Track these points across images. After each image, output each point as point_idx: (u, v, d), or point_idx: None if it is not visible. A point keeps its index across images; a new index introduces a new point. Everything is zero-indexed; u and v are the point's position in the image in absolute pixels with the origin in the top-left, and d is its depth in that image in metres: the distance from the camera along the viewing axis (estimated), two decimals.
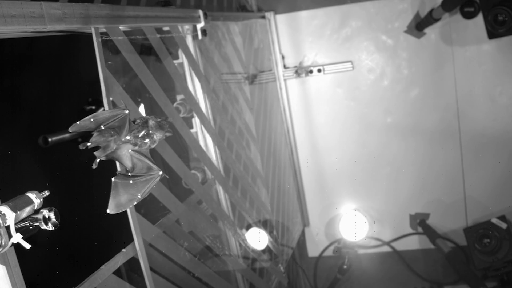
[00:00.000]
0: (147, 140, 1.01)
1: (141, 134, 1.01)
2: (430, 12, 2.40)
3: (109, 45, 1.21)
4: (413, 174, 2.74)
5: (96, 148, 1.04)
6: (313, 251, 2.95)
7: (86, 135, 1.86)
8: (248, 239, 1.98)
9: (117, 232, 1.35)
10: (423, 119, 2.68)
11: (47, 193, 0.82)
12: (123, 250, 1.17)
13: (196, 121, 1.72)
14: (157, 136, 1.02)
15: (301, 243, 2.93)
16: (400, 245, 2.80)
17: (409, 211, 2.79)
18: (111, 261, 1.13)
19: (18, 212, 0.75)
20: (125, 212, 1.18)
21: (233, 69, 2.16)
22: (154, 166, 1.01)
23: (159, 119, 1.04)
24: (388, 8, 2.58)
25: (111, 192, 1.00)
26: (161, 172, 1.01)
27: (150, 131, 1.02)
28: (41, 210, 0.80)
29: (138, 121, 1.02)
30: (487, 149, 2.61)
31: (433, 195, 2.74)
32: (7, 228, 0.73)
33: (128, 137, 1.00)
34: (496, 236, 2.39)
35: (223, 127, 1.89)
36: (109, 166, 1.18)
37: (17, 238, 0.74)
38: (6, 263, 0.79)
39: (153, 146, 1.03)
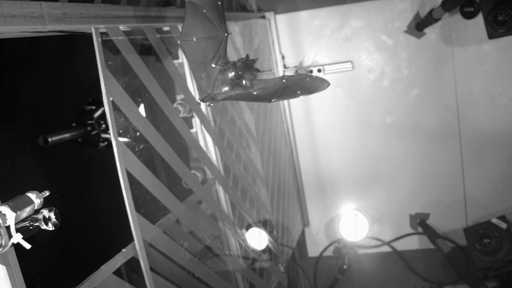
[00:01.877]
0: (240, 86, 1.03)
1: (230, 75, 1.03)
2: (430, 12, 2.40)
3: (109, 45, 1.21)
4: (413, 174, 2.74)
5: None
6: (313, 251, 2.95)
7: (86, 135, 1.87)
8: (248, 239, 1.97)
9: (117, 232, 1.35)
10: (423, 119, 2.68)
11: (47, 193, 0.82)
12: (123, 250, 1.17)
13: (196, 121, 1.72)
14: (247, 76, 1.04)
15: (301, 243, 2.93)
16: (400, 245, 2.80)
17: (409, 211, 2.78)
18: (111, 261, 1.13)
19: (18, 212, 0.75)
20: (125, 212, 1.18)
21: None
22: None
23: (243, 59, 1.06)
24: (388, 8, 2.58)
25: None
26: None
27: (240, 73, 1.03)
28: (41, 210, 0.80)
29: (229, 65, 1.05)
30: (487, 149, 2.61)
31: (433, 195, 2.74)
32: (7, 228, 0.73)
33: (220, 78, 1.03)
34: (496, 236, 2.39)
35: (223, 127, 1.89)
36: (109, 167, 1.18)
37: (17, 238, 0.74)
38: (6, 263, 0.79)
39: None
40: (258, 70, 1.07)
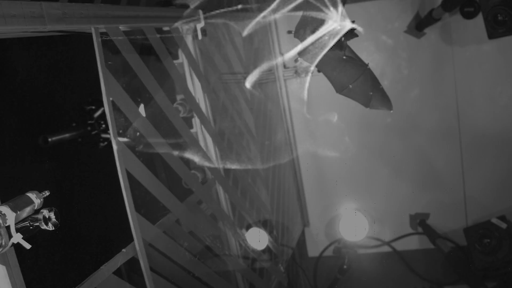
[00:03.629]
0: None
1: None
2: (430, 12, 2.39)
3: (109, 45, 1.21)
4: (413, 174, 2.74)
5: None
6: (313, 251, 2.94)
7: (86, 135, 1.87)
8: (248, 239, 1.97)
9: (117, 232, 1.35)
10: (423, 119, 2.68)
11: (47, 193, 0.82)
12: (123, 250, 1.17)
13: (196, 121, 1.72)
14: (347, 38, 1.40)
15: (301, 243, 2.93)
16: (400, 245, 2.80)
17: (409, 211, 2.78)
18: (111, 261, 1.13)
19: (18, 212, 0.75)
20: (125, 212, 1.18)
21: (233, 69, 2.16)
22: None
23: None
24: (388, 8, 2.58)
25: None
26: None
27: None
28: (41, 210, 0.80)
29: None
30: (487, 149, 2.61)
31: (433, 195, 2.74)
32: (8, 228, 0.73)
33: None
34: (496, 236, 2.39)
35: (223, 127, 1.89)
36: (109, 167, 1.18)
37: (17, 238, 0.74)
38: (6, 263, 0.79)
39: None
40: (356, 35, 1.39)
